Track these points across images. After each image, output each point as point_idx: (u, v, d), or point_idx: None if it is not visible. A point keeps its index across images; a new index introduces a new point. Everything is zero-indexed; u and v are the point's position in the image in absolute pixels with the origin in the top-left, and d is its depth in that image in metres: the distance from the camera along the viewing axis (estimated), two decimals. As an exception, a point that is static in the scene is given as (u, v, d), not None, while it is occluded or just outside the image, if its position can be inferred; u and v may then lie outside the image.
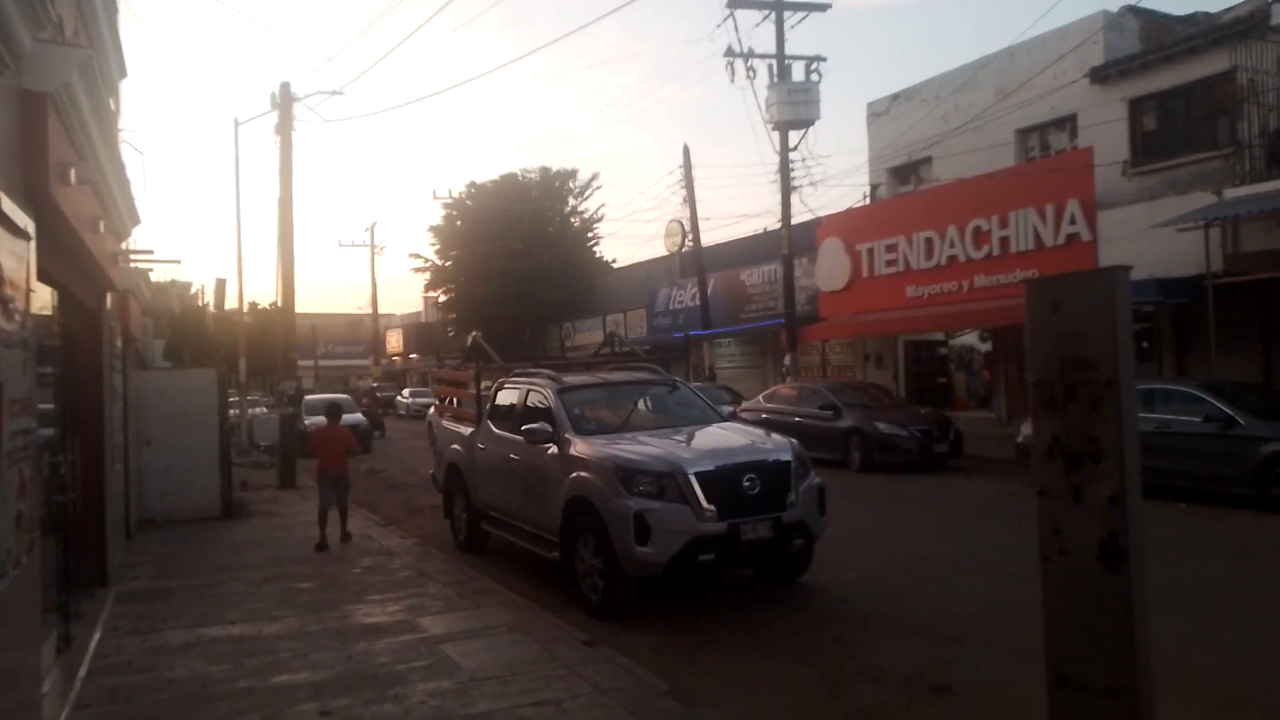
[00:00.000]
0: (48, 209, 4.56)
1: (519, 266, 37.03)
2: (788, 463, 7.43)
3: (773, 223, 26.22)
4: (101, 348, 7.93)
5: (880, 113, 24.64)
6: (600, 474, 7.32)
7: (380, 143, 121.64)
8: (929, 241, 20.48)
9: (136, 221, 8.21)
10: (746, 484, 7.11)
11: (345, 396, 31.43)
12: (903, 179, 24.35)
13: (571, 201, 40.84)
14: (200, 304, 31.22)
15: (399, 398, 47.51)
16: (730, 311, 27.14)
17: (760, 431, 8.49)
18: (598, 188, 41.19)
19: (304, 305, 17.67)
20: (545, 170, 40.26)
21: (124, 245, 9.02)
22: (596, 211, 41.03)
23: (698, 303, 27.93)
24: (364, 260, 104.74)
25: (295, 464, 16.90)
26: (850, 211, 24.04)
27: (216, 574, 9.02)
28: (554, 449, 8.10)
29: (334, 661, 6.01)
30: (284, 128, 16.73)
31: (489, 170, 79.41)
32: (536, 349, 36.98)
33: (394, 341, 59.46)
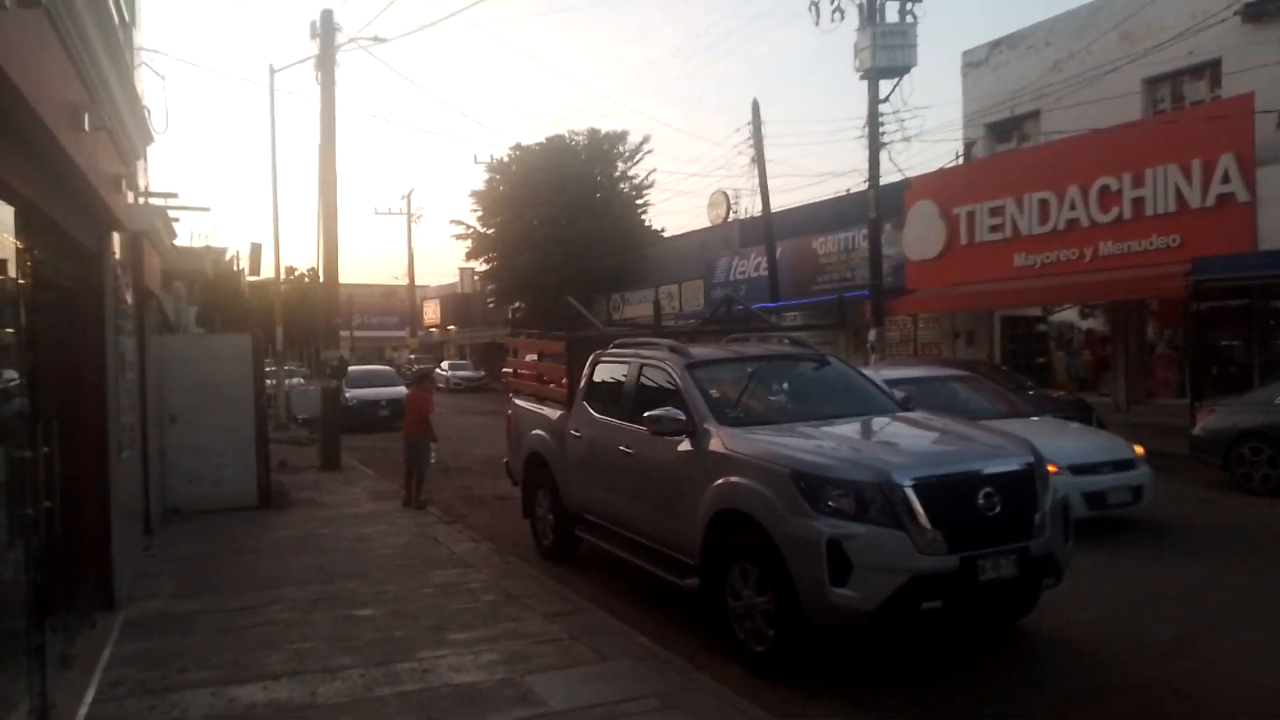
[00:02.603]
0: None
1: (565, 234, 35.01)
2: (1030, 471, 5.40)
3: (856, 184, 23.91)
4: (104, 303, 6.06)
5: (977, 62, 22.22)
6: (767, 480, 5.34)
7: (421, 104, 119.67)
8: (1043, 204, 18.16)
9: (148, 139, 6.32)
10: (983, 501, 5.10)
11: (387, 368, 29.85)
12: (1003, 135, 21.94)
13: (620, 166, 38.60)
14: (235, 269, 29.53)
15: (438, 370, 46.46)
16: (800, 283, 24.96)
17: (970, 425, 6.43)
18: (648, 151, 38.92)
19: (340, 274, 15.76)
20: (594, 132, 38.01)
21: (137, 176, 7.13)
22: (647, 177, 38.78)
23: (763, 273, 25.79)
24: (400, 229, 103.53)
25: (339, 442, 15.11)
26: (945, 171, 21.70)
27: (252, 591, 7.18)
28: (686, 443, 6.17)
29: (422, 758, 4.13)
30: (325, 62, 14.77)
31: (534, 136, 76.85)
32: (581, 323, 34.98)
33: (431, 313, 57.97)
